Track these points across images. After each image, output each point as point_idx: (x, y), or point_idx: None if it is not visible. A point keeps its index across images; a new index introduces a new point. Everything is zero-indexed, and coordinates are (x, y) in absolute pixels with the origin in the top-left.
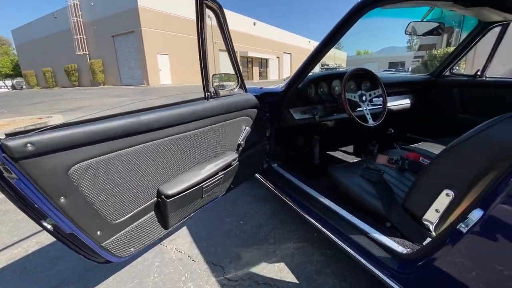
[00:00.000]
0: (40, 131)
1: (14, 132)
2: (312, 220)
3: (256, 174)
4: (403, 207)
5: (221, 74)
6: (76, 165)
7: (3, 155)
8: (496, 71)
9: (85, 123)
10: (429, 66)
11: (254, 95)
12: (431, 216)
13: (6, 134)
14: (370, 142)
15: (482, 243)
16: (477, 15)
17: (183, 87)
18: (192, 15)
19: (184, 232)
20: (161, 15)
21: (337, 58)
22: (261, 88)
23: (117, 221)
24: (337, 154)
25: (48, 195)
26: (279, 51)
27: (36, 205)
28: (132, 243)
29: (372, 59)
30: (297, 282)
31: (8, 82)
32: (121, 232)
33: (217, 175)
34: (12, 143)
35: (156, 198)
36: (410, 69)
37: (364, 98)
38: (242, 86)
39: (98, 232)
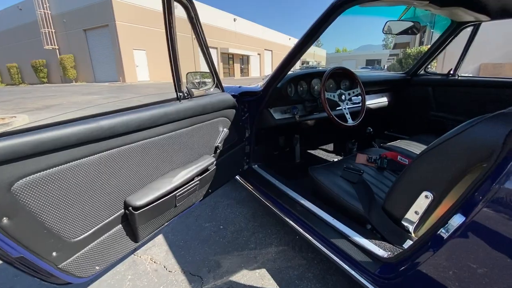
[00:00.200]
0: None
1: None
2: (292, 223)
3: (237, 176)
4: (383, 209)
5: (196, 72)
6: (20, 181)
7: None
8: (465, 69)
9: (31, 131)
10: (403, 64)
11: (232, 95)
12: (411, 218)
13: None
14: (350, 141)
15: (462, 248)
16: (451, 15)
17: (162, 84)
18: None
19: (160, 240)
20: (137, 8)
21: (317, 56)
22: (239, 87)
23: (76, 239)
24: (318, 152)
25: None
26: (260, 48)
27: None
28: (97, 261)
29: (350, 57)
30: None
31: None
32: (82, 251)
33: (193, 181)
34: None
35: (123, 210)
36: (386, 67)
37: (343, 97)
38: (218, 85)
39: (54, 253)
